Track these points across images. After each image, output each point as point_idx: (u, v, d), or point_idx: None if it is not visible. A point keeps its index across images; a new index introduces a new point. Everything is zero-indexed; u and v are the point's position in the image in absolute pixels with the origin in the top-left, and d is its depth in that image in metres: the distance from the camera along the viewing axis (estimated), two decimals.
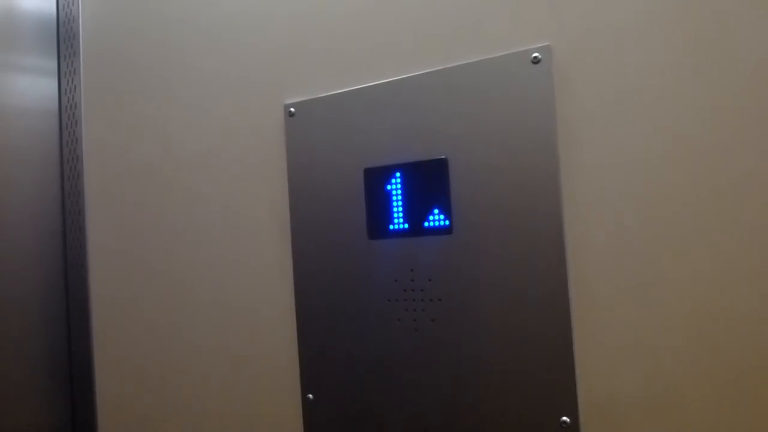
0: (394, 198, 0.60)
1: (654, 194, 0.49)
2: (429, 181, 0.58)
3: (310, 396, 0.65)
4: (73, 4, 0.86)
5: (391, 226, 0.60)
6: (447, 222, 0.57)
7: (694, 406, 0.48)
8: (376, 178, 0.61)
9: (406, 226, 0.59)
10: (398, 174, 0.59)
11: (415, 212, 0.59)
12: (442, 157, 0.57)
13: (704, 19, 0.48)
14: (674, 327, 0.48)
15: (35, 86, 0.86)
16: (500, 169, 0.54)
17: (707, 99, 0.47)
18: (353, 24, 0.64)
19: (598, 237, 0.51)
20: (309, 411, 0.65)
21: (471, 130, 0.56)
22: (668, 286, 0.48)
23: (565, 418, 0.51)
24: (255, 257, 0.70)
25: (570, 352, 0.51)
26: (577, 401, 0.51)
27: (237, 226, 0.72)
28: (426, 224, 0.58)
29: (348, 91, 0.63)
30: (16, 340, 0.81)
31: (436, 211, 0.58)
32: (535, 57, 0.53)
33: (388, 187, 0.60)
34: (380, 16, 0.62)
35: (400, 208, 0.59)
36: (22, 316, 0.82)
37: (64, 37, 0.87)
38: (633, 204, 0.50)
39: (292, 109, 0.66)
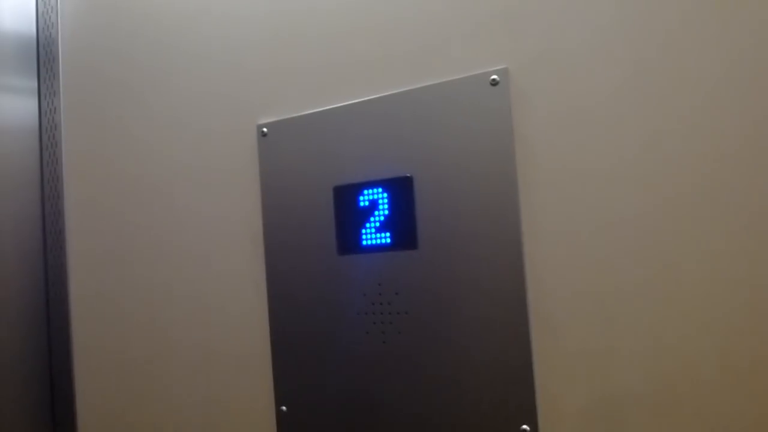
0: (363, 215, 0.62)
1: (609, 208, 0.51)
2: (395, 199, 0.60)
3: (284, 408, 0.66)
4: (52, 27, 0.88)
5: (360, 242, 0.62)
6: (413, 237, 0.59)
7: (650, 416, 0.50)
8: (345, 196, 0.63)
9: (374, 242, 0.61)
10: (366, 192, 0.61)
11: (383, 228, 0.61)
12: (408, 175, 0.59)
13: (650, 41, 0.50)
14: (630, 338, 0.50)
15: (15, 107, 0.87)
16: (462, 186, 0.57)
17: (654, 116, 0.50)
18: (324, 47, 0.66)
19: (555, 250, 0.53)
20: (282, 423, 0.66)
21: (435, 148, 0.58)
22: (624, 298, 0.51)
23: (525, 426, 0.53)
24: (230, 272, 0.72)
25: (529, 362, 0.53)
26: (536, 410, 0.53)
27: (213, 243, 0.73)
28: (392, 240, 0.60)
29: (318, 111, 0.65)
30: None
31: (402, 227, 0.60)
32: (494, 79, 0.56)
33: (357, 204, 0.62)
34: (349, 40, 0.65)
35: (369, 225, 0.61)
36: (3, 332, 0.82)
37: (44, 59, 0.89)
38: (588, 217, 0.52)
39: (265, 129, 0.69)
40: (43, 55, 0.89)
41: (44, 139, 0.88)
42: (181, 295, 0.76)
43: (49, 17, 0.89)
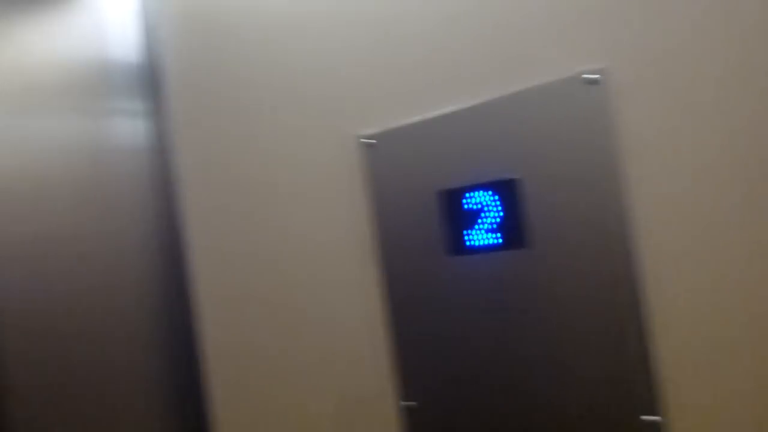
0: (471, 217, 0.65)
1: (719, 202, 0.52)
2: (503, 200, 0.63)
3: (410, 404, 0.71)
4: (157, 51, 0.96)
5: (471, 243, 0.65)
6: (522, 237, 0.62)
7: None
8: (452, 199, 0.66)
9: (485, 242, 0.65)
10: (473, 194, 0.65)
11: (493, 230, 0.64)
12: (514, 177, 0.63)
13: (755, 32, 0.50)
14: (756, 330, 0.51)
15: (129, 127, 0.96)
16: (568, 186, 0.59)
17: (764, 109, 0.50)
18: (420, 59, 0.69)
19: (668, 244, 0.55)
20: (408, 418, 0.71)
21: (537, 151, 0.61)
22: (746, 291, 0.51)
23: (651, 417, 0.55)
24: (344, 277, 0.77)
25: (645, 354, 0.56)
26: (658, 401, 0.55)
27: (324, 250, 0.79)
28: (503, 240, 0.64)
29: (421, 120, 0.69)
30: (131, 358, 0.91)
31: (511, 227, 0.63)
32: (592, 79, 0.57)
33: (465, 207, 0.66)
34: (443, 50, 0.67)
35: (478, 227, 0.65)
36: (135, 337, 0.92)
37: (152, 83, 0.97)
38: (700, 214, 0.53)
39: (372, 140, 0.73)
40: (151, 79, 0.98)
41: (158, 158, 0.97)
42: (303, 300, 0.82)
43: (155, 47, 0.97)
